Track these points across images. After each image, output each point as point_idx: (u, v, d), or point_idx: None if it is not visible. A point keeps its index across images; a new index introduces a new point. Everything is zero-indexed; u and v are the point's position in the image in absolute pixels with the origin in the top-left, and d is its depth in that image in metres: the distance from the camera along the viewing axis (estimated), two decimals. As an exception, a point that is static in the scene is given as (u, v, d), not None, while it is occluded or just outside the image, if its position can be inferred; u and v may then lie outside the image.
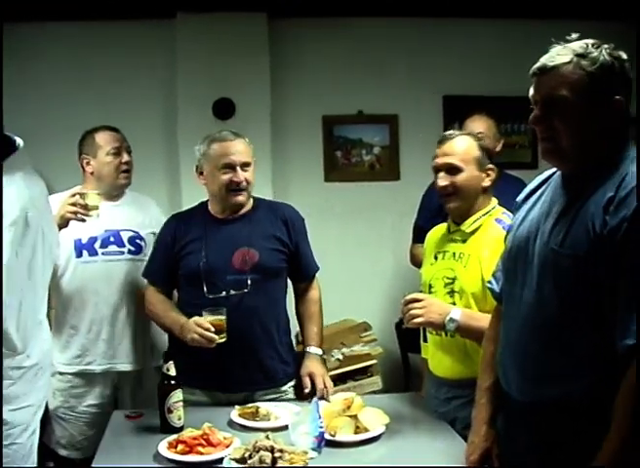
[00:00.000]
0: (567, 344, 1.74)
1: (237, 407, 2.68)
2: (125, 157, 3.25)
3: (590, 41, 1.77)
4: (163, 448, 2.32)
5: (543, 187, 1.98)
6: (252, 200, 2.99)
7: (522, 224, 1.96)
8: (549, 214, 1.85)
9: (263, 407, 2.68)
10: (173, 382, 2.55)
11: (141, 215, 3.34)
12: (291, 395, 2.96)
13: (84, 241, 3.16)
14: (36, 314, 2.38)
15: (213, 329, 2.66)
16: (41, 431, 2.51)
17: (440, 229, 2.81)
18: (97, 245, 3.18)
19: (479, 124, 3.70)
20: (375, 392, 4.16)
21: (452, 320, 2.41)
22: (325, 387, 2.86)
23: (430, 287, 2.68)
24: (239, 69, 4.52)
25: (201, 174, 2.93)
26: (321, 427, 2.32)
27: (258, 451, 2.11)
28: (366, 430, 2.44)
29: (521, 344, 1.87)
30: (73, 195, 2.92)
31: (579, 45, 1.77)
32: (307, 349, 2.99)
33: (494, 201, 2.66)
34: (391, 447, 2.39)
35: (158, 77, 4.67)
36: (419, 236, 3.98)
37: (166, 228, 3.03)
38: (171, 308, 2.93)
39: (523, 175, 3.40)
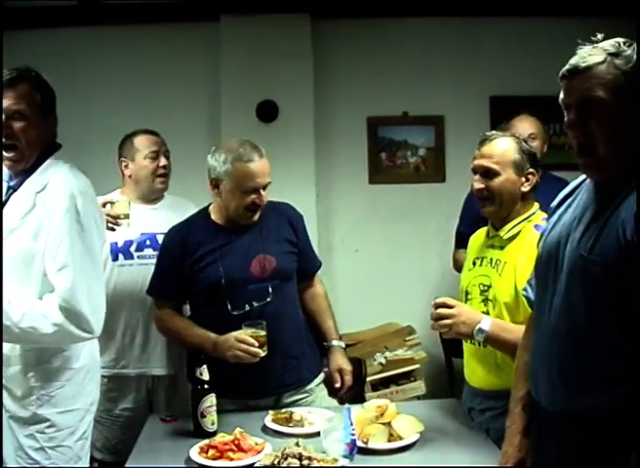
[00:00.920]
0: (596, 353, 1.68)
1: (271, 412, 2.66)
2: (162, 161, 3.26)
3: (621, 39, 1.69)
4: (194, 452, 2.32)
5: (577, 192, 1.92)
6: None
7: (554, 229, 1.91)
8: (580, 219, 1.78)
9: (297, 412, 2.65)
10: (206, 387, 2.54)
11: (179, 219, 3.30)
12: (317, 394, 2.94)
13: (120, 244, 3.17)
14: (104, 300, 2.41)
15: (257, 343, 2.63)
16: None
17: (481, 234, 2.73)
18: (132, 248, 3.20)
19: (526, 124, 3.62)
20: (418, 397, 4.12)
21: (480, 330, 2.32)
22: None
23: (467, 293, 2.61)
24: (283, 71, 4.53)
25: (216, 187, 2.84)
26: (353, 434, 2.28)
27: (286, 459, 2.09)
28: (399, 438, 2.39)
29: (551, 352, 1.81)
30: (103, 205, 2.92)
31: (610, 44, 1.69)
32: (331, 343, 2.99)
33: (535, 206, 2.56)
34: (425, 455, 2.33)
35: (202, 80, 4.70)
36: (461, 241, 3.92)
37: (171, 241, 2.93)
38: (192, 325, 2.85)
39: (572, 178, 3.31)
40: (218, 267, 2.79)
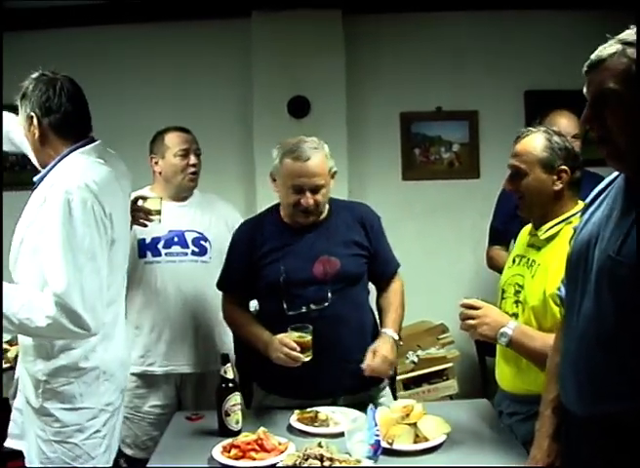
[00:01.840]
0: (624, 358, 1.60)
1: (296, 411, 2.64)
2: (192, 159, 3.23)
3: None
4: (217, 451, 2.30)
5: (609, 188, 1.83)
6: (327, 205, 2.87)
7: (585, 228, 1.82)
8: (610, 217, 1.70)
9: (323, 412, 2.62)
10: (230, 385, 2.52)
11: (208, 217, 3.31)
12: (381, 399, 2.87)
13: (147, 241, 3.16)
14: (105, 299, 2.37)
15: (298, 348, 2.59)
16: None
17: (526, 230, 2.59)
18: (160, 245, 3.18)
19: (561, 120, 3.54)
20: (450, 396, 4.08)
21: (504, 334, 2.25)
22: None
23: (503, 292, 2.54)
24: (314, 67, 4.50)
25: (274, 180, 2.80)
26: (377, 435, 2.24)
27: (307, 459, 2.06)
28: (425, 439, 2.35)
29: (579, 356, 1.74)
30: (135, 200, 2.92)
31: (627, 33, 1.60)
32: (383, 330, 2.83)
33: (578, 206, 2.37)
34: (451, 457, 2.28)
35: (233, 76, 4.70)
36: (495, 238, 3.88)
37: (240, 236, 2.92)
38: (251, 321, 2.85)
39: (607, 174, 3.23)
40: (279, 266, 2.75)
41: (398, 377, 3.95)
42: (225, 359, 2.55)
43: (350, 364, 2.73)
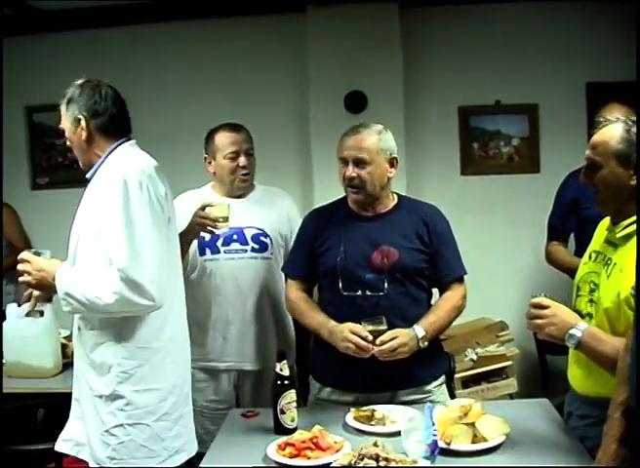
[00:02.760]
0: None
1: (352, 409, 2.61)
2: (242, 161, 3.21)
3: None
4: (271, 450, 2.29)
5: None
6: (395, 198, 2.91)
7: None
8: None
9: (379, 410, 2.59)
10: (286, 382, 2.51)
11: (269, 212, 3.30)
12: (437, 396, 2.84)
13: (207, 239, 3.16)
14: (170, 273, 2.50)
15: (371, 337, 2.59)
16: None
17: (604, 224, 2.42)
18: (219, 243, 3.18)
19: (613, 114, 3.43)
20: (510, 395, 4.01)
21: (572, 336, 2.13)
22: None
23: (578, 289, 2.40)
24: (371, 61, 4.46)
25: None
26: (434, 435, 2.20)
27: (362, 459, 2.03)
28: (484, 439, 2.29)
29: None
30: (203, 208, 2.96)
31: None
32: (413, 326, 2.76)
33: None
34: (510, 459, 2.22)
35: (289, 71, 4.70)
36: (553, 233, 3.81)
37: (308, 223, 2.99)
38: (315, 308, 2.87)
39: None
40: (338, 250, 2.79)
41: (457, 375, 3.88)
42: (281, 356, 2.54)
43: (405, 358, 2.70)
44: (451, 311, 2.86)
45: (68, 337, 3.65)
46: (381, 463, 2.03)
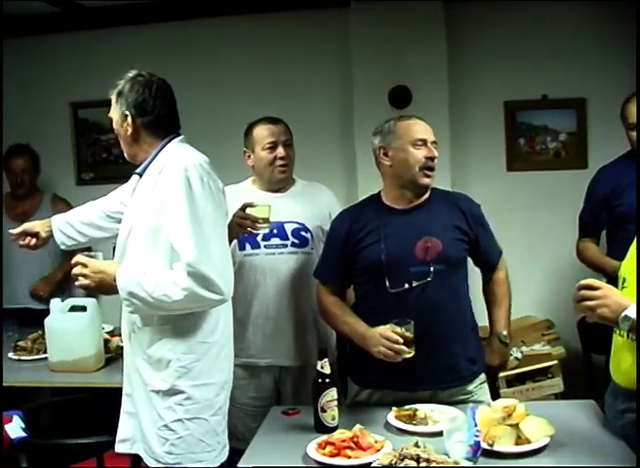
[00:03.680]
0: None
1: (394, 408, 2.59)
2: (280, 152, 3.21)
3: None
4: (311, 448, 2.28)
5: None
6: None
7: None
8: None
9: (422, 409, 2.56)
10: (327, 380, 2.50)
11: (309, 207, 3.28)
12: (480, 395, 2.82)
13: (246, 234, 3.14)
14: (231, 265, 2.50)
15: (402, 340, 2.55)
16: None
17: None
18: (259, 237, 3.18)
19: (630, 106, 3.40)
20: (555, 395, 3.94)
21: (627, 317, 2.02)
22: None
23: (624, 281, 2.33)
24: (415, 56, 4.41)
25: (385, 155, 2.80)
26: (477, 436, 2.17)
27: (402, 460, 2.01)
28: (528, 441, 2.25)
29: None
30: (244, 208, 2.96)
31: None
32: (494, 332, 2.93)
33: None
34: (554, 461, 2.18)
35: (333, 66, 4.69)
36: (584, 230, 3.77)
37: (338, 224, 2.94)
38: (347, 313, 2.84)
39: None
40: (380, 245, 2.76)
41: (501, 374, 3.82)
42: (323, 353, 2.53)
43: (445, 355, 2.72)
44: (508, 293, 2.99)
45: (111, 332, 3.69)
46: (422, 464, 2.01)
